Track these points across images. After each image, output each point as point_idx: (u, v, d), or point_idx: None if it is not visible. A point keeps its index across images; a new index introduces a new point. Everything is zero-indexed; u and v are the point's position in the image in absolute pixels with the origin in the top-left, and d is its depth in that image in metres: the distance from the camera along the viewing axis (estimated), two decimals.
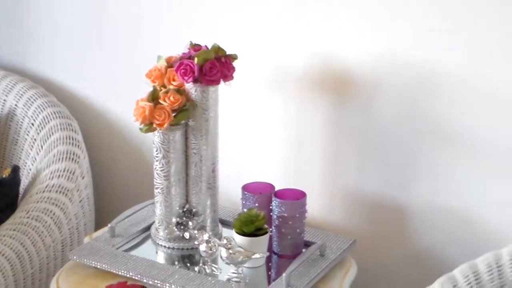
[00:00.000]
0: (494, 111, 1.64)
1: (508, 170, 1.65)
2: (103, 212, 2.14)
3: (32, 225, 1.75)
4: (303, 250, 1.70)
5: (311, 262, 1.66)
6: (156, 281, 1.60)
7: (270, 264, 1.71)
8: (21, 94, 2.13)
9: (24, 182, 1.98)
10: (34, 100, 2.11)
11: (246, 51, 1.81)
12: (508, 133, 1.63)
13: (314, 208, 1.85)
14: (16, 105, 2.13)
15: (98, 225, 2.03)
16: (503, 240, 1.65)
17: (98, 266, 1.66)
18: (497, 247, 1.51)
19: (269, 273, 1.69)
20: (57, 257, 1.81)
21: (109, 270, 1.64)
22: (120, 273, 1.63)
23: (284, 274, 1.57)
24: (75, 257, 1.68)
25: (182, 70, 1.64)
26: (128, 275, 1.62)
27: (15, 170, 1.86)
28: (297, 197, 1.72)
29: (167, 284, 1.58)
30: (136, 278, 1.62)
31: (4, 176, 1.83)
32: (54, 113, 2.08)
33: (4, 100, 2.15)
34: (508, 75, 1.60)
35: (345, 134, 1.82)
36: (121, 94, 2.13)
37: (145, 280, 1.61)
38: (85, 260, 1.67)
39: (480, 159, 1.68)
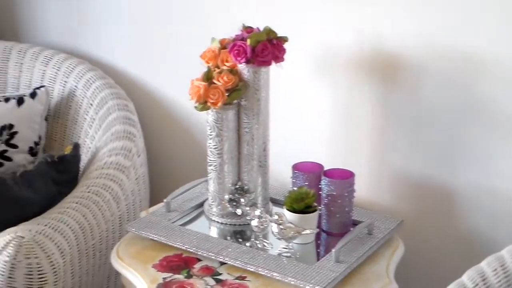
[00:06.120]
0: None
1: None
2: (157, 190, 2.20)
3: (92, 199, 1.81)
4: (351, 228, 1.73)
5: (359, 240, 1.69)
6: (210, 254, 1.65)
7: (319, 241, 1.74)
8: (81, 76, 2.21)
9: (83, 159, 2.04)
10: (93, 81, 2.18)
11: (297, 33, 1.84)
12: None
13: (362, 189, 1.87)
14: (76, 86, 2.21)
15: (152, 203, 2.08)
16: None
17: (155, 239, 1.71)
18: None
19: (318, 250, 1.73)
20: (115, 231, 1.86)
21: (165, 242, 1.70)
22: (176, 245, 1.68)
23: (333, 250, 1.61)
24: (133, 230, 1.74)
25: (235, 51, 1.69)
26: (183, 248, 1.68)
27: (76, 147, 1.91)
28: (346, 176, 1.75)
29: (221, 257, 1.64)
30: (191, 250, 1.67)
31: (66, 153, 1.89)
32: (112, 94, 2.14)
33: (65, 81, 2.23)
34: None
35: (393, 115, 1.84)
36: (174, 76, 2.18)
37: (199, 253, 1.66)
38: (143, 232, 1.73)
39: None
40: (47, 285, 1.65)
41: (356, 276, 1.62)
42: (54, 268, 1.66)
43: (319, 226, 1.74)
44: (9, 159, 2.11)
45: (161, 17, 2.17)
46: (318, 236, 1.74)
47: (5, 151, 2.11)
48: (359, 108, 1.88)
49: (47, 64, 2.27)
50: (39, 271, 1.64)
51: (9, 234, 1.64)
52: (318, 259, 1.66)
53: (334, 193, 1.73)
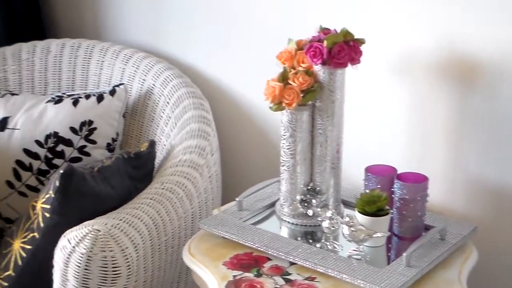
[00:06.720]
0: None
1: None
2: (230, 189, 2.22)
3: (166, 196, 1.83)
4: (423, 233, 1.71)
5: (431, 245, 1.67)
6: (280, 253, 1.66)
7: (390, 245, 1.73)
8: (159, 75, 2.25)
9: (158, 156, 2.08)
10: (170, 80, 2.22)
11: (373, 36, 1.84)
12: None
13: (436, 193, 1.85)
14: (153, 84, 2.25)
15: (224, 201, 2.09)
16: None
17: (226, 236, 1.73)
18: None
19: (388, 254, 1.72)
20: (187, 228, 1.89)
21: (236, 240, 1.71)
22: (247, 244, 1.70)
23: (404, 254, 1.59)
24: (205, 227, 1.77)
25: (312, 52, 1.69)
26: (254, 246, 1.69)
27: (152, 144, 1.95)
28: (419, 180, 1.73)
29: (291, 257, 1.64)
30: (262, 249, 1.68)
31: (142, 150, 1.93)
32: (188, 93, 2.18)
33: (143, 79, 2.28)
34: None
35: (469, 120, 1.81)
36: (250, 76, 2.20)
37: (270, 252, 1.67)
38: (214, 230, 1.75)
39: None
40: (120, 278, 1.69)
41: (427, 282, 1.60)
42: (128, 262, 1.70)
43: (390, 230, 1.73)
44: (87, 154, 2.18)
45: (238, 17, 2.19)
46: (389, 239, 1.73)
47: (84, 146, 2.18)
48: (435, 112, 1.86)
49: (126, 62, 2.32)
50: (113, 264, 1.68)
51: (86, 227, 1.69)
52: (388, 263, 1.65)
53: (407, 197, 1.71)
